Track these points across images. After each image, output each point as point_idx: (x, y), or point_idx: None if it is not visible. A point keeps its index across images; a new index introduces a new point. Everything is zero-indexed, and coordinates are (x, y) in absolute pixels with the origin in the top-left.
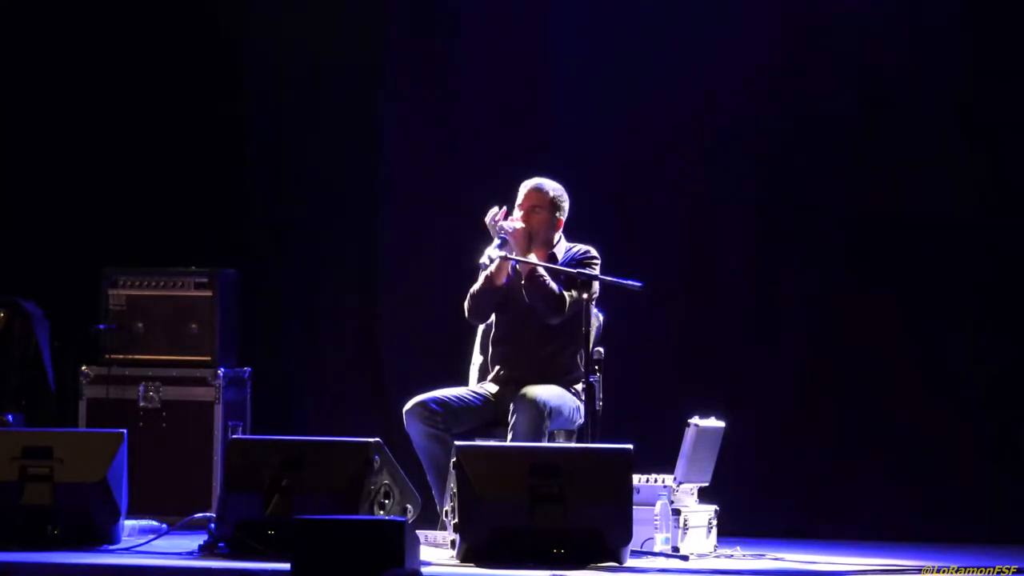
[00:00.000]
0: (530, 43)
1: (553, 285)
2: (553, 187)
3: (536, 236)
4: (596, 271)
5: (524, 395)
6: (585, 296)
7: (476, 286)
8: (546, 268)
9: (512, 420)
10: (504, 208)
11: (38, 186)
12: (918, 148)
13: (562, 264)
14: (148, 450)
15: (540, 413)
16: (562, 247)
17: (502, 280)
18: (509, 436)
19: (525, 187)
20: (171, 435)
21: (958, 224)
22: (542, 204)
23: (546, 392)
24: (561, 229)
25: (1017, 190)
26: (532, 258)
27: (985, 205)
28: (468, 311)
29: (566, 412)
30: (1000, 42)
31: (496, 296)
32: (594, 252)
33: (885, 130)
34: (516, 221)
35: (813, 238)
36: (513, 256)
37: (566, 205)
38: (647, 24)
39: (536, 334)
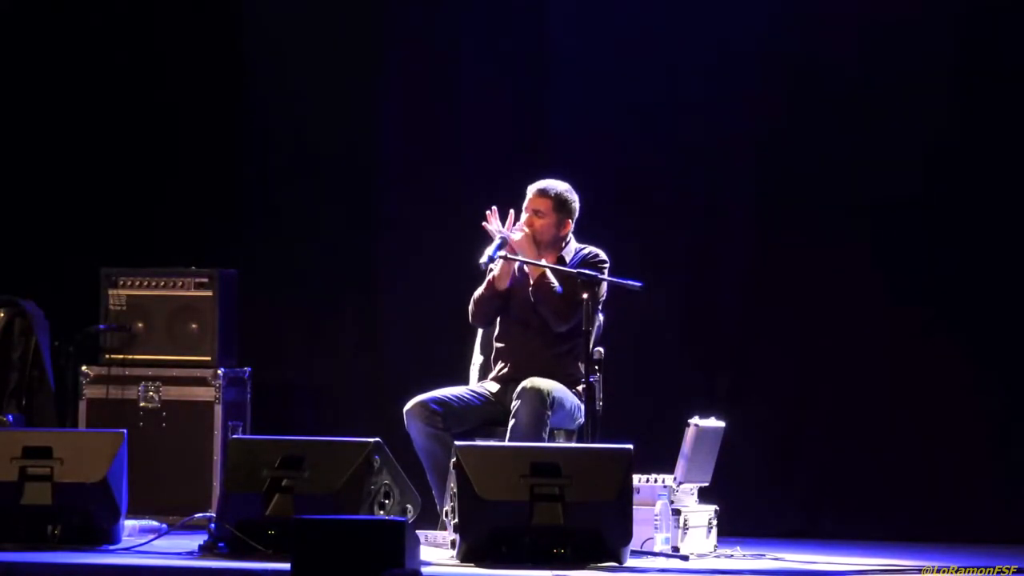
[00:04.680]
0: (530, 43)
1: (560, 291)
2: (558, 188)
3: (541, 240)
4: (605, 274)
5: (527, 385)
6: (587, 296)
7: (479, 291)
8: (550, 269)
9: (514, 408)
10: (495, 208)
11: (38, 186)
12: (919, 142)
13: (570, 266)
14: (148, 450)
15: (543, 402)
16: (571, 248)
17: (505, 284)
18: (510, 424)
19: (530, 190)
20: (171, 435)
21: (953, 219)
22: (545, 208)
23: (549, 383)
24: (570, 230)
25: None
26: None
27: (978, 195)
28: (472, 315)
29: (568, 406)
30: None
31: (499, 300)
32: (603, 256)
33: (889, 123)
34: (519, 230)
35: (814, 238)
36: (514, 256)
37: (575, 205)
38: (647, 23)
39: (538, 334)
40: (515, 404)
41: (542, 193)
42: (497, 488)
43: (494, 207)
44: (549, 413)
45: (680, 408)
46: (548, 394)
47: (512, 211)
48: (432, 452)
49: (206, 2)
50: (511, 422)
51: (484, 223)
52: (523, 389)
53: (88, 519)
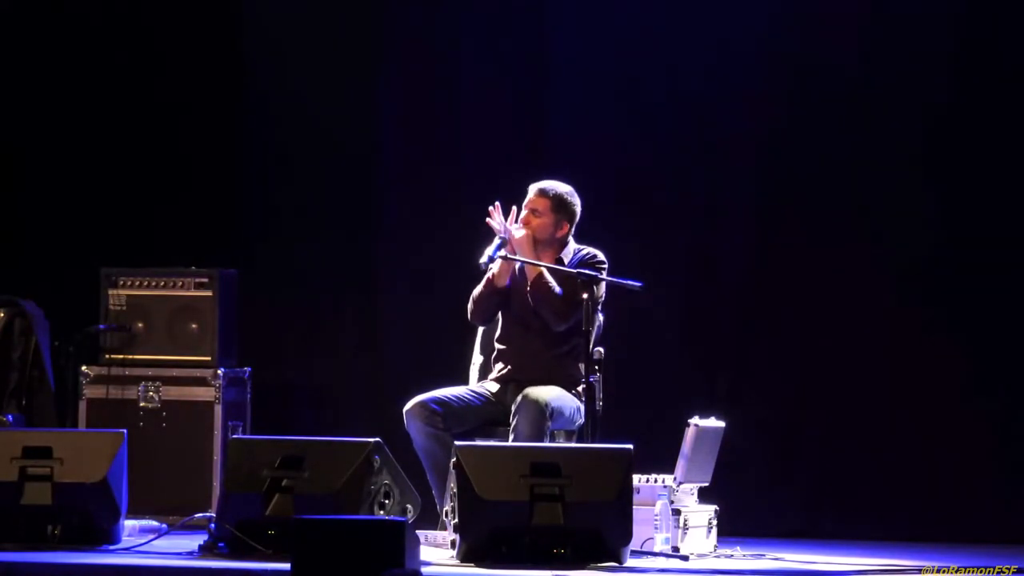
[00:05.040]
0: (530, 43)
1: (557, 291)
2: (558, 190)
3: (538, 240)
4: (603, 275)
5: (526, 396)
6: (586, 296)
7: (478, 289)
8: (548, 269)
9: (514, 421)
10: (498, 203)
11: (38, 186)
12: (918, 142)
13: (568, 267)
14: (148, 450)
15: (542, 414)
16: (570, 249)
17: (504, 282)
18: (511, 437)
19: (531, 189)
20: (171, 435)
21: (953, 219)
22: (542, 207)
23: (548, 393)
24: (569, 233)
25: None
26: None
27: (978, 194)
28: (471, 313)
29: (567, 413)
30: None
31: (498, 298)
32: (601, 256)
33: (887, 127)
34: (519, 228)
35: (815, 238)
36: (513, 256)
37: (575, 208)
38: (646, 22)
39: (538, 334)
40: (514, 417)
41: (542, 193)
42: (497, 488)
43: (497, 203)
44: (549, 424)
45: (680, 408)
46: (547, 405)
47: (514, 208)
48: (432, 452)
49: (206, 2)
50: (511, 435)
51: (488, 219)
52: (522, 402)
53: (88, 519)
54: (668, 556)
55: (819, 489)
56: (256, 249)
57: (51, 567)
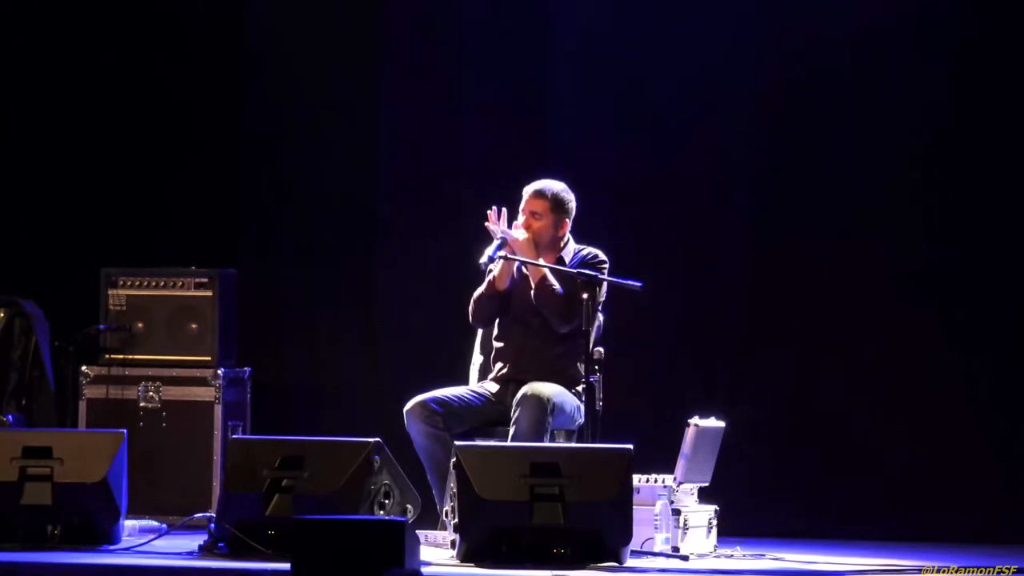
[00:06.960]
0: (530, 43)
1: (561, 292)
2: (554, 189)
3: (540, 241)
4: (604, 274)
5: (527, 391)
6: (587, 296)
7: (479, 290)
8: (550, 269)
9: (515, 416)
10: (504, 210)
11: (39, 186)
12: (919, 143)
13: (569, 267)
14: (148, 450)
15: (543, 409)
16: (570, 249)
17: (505, 284)
18: (511, 431)
19: (526, 192)
20: (171, 435)
21: (953, 219)
22: (542, 209)
23: (549, 389)
24: (568, 230)
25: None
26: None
27: (978, 195)
28: (472, 315)
29: (568, 410)
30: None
31: (499, 300)
32: (603, 256)
33: (886, 128)
34: (519, 230)
35: (814, 237)
36: (513, 256)
37: (572, 205)
38: (647, 23)
39: (537, 334)
40: (516, 411)
41: (539, 194)
42: (497, 488)
43: (494, 207)
44: (550, 420)
45: (680, 408)
46: (548, 401)
47: (505, 209)
48: (432, 452)
49: (206, 3)
50: (512, 429)
51: (486, 223)
52: (523, 396)
53: (88, 519)
54: (668, 556)
55: (819, 489)
56: (256, 249)
57: (51, 567)
